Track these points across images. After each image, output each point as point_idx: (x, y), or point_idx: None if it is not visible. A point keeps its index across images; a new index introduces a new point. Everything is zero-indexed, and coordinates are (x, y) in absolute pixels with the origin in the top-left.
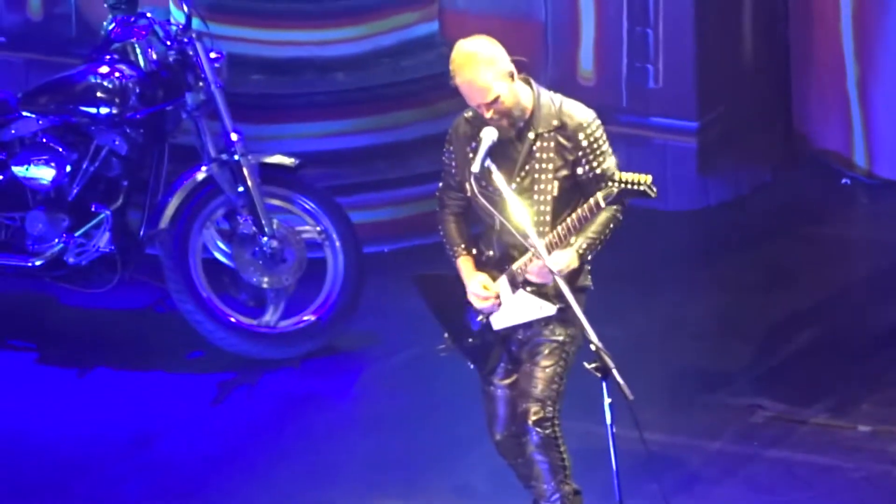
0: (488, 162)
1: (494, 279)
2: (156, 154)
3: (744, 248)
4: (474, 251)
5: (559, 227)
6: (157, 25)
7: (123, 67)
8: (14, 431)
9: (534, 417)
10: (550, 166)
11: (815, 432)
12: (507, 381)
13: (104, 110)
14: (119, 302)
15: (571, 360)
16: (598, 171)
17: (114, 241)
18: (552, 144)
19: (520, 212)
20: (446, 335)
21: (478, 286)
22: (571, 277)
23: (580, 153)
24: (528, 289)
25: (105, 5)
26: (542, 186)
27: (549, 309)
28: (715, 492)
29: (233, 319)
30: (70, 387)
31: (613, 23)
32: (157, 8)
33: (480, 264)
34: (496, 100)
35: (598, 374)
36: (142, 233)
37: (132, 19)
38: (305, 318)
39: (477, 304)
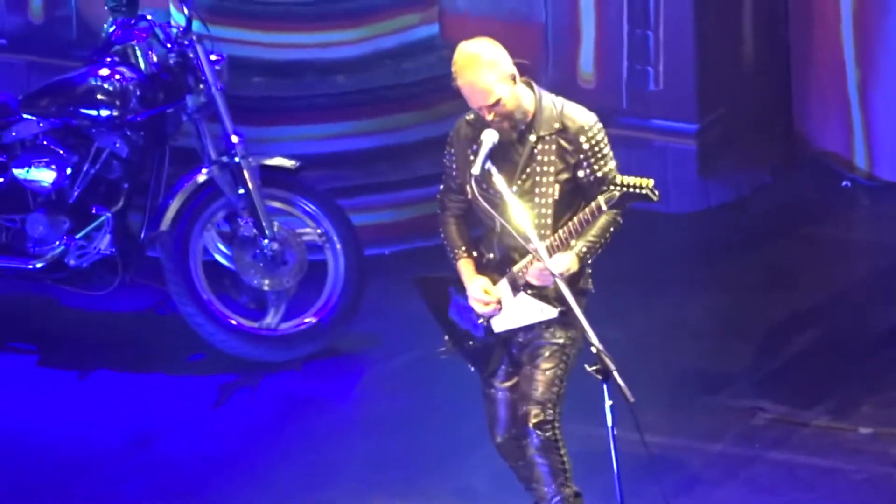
0: (489, 164)
1: (495, 282)
2: (156, 156)
3: (744, 250)
4: (475, 254)
5: (560, 231)
6: (158, 28)
7: (124, 70)
8: (15, 432)
9: (534, 420)
10: (552, 169)
11: (817, 434)
12: (508, 384)
13: (105, 113)
14: (120, 304)
15: (572, 363)
16: (600, 174)
17: (114, 244)
18: (553, 147)
19: (520, 214)
20: (447, 338)
21: (478, 290)
22: (572, 280)
23: (581, 156)
24: (529, 291)
25: (105, 8)
26: (543, 189)
27: (550, 312)
28: (716, 494)
29: (233, 322)
30: (71, 388)
31: (614, 25)
32: (157, 10)
33: (481, 267)
34: (498, 102)
35: (599, 377)
36: (142, 235)
37: (133, 22)
38: (306, 320)
39: (477, 308)
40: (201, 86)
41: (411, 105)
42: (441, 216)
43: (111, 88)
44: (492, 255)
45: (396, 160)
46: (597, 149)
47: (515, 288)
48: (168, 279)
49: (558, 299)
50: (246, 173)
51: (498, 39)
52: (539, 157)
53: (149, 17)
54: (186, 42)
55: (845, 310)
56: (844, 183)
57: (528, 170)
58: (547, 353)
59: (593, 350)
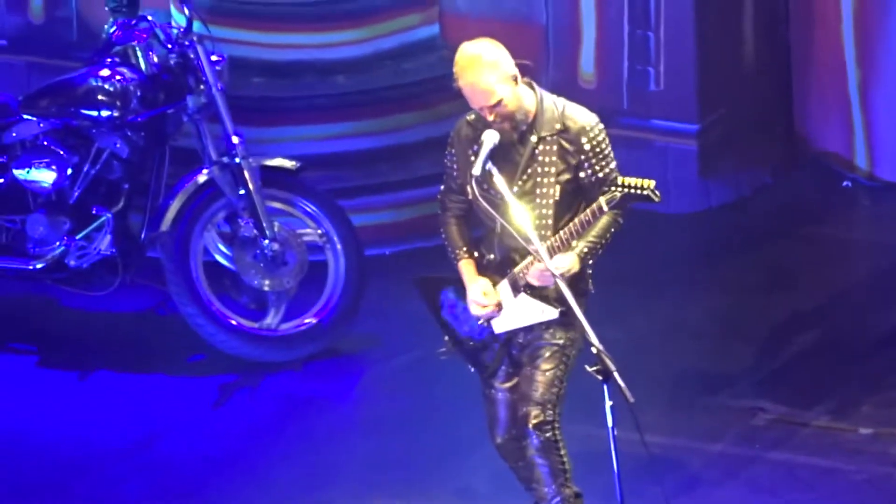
0: (489, 165)
1: (495, 283)
2: (157, 157)
3: (745, 250)
4: (476, 254)
5: (561, 231)
6: (158, 28)
7: (124, 70)
8: (15, 432)
9: (534, 421)
10: (553, 170)
11: (817, 434)
12: (508, 385)
13: (105, 113)
14: (120, 305)
15: (572, 364)
16: (601, 174)
17: (115, 244)
18: (555, 148)
19: (521, 215)
20: (447, 338)
21: (478, 293)
22: (573, 281)
23: (583, 157)
24: (530, 292)
25: (106, 8)
26: (544, 190)
27: (551, 312)
28: (716, 494)
29: (234, 322)
30: (71, 389)
31: (614, 25)
32: (157, 11)
33: (481, 268)
34: (499, 103)
35: (600, 377)
36: (143, 236)
37: (133, 22)
38: (306, 320)
39: (476, 310)
40: (202, 86)
41: (411, 105)
42: (442, 216)
43: (112, 89)
44: (492, 256)
45: (397, 161)
46: (598, 149)
47: (516, 289)
48: (168, 280)
49: (559, 300)
50: (246, 174)
51: (498, 40)
52: (540, 158)
53: (149, 17)
54: (187, 43)
55: (845, 310)
56: (845, 183)
57: (529, 170)
58: (547, 354)
59: (594, 350)
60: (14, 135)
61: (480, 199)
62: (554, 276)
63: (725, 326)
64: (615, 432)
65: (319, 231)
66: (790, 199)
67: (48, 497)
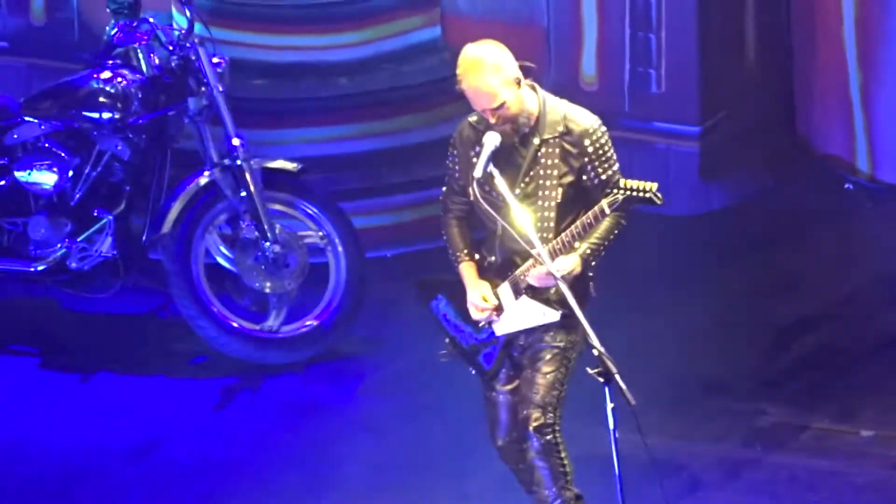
0: (491, 167)
1: (496, 285)
2: (158, 159)
3: (746, 253)
4: (477, 257)
5: (563, 234)
6: (160, 30)
7: (126, 72)
8: (16, 437)
9: (534, 424)
10: (555, 172)
11: (818, 437)
12: (509, 387)
13: (107, 115)
14: (121, 307)
15: (573, 367)
16: (604, 177)
17: (116, 246)
18: (557, 150)
19: (522, 217)
20: (447, 340)
21: (477, 297)
22: (574, 286)
23: (586, 159)
24: (531, 294)
25: (107, 10)
26: (547, 192)
27: (553, 315)
28: (718, 496)
29: (235, 324)
30: (72, 392)
31: (616, 27)
32: (159, 13)
33: (482, 270)
34: (502, 105)
35: (601, 379)
36: (144, 238)
37: (134, 24)
38: (308, 323)
39: (474, 314)
40: (203, 88)
41: (413, 108)
42: (444, 218)
43: (113, 91)
44: (493, 258)
45: (398, 163)
46: (601, 152)
47: (517, 291)
48: (170, 282)
49: (560, 302)
50: (248, 176)
51: (500, 42)
52: (543, 160)
53: (151, 19)
54: (188, 45)
55: (847, 312)
56: (847, 186)
57: (532, 173)
58: (548, 357)
59: (595, 352)
60: (15, 137)
61: (482, 200)
62: (555, 278)
63: (727, 329)
64: (616, 434)
65: (321, 233)
66: (791, 201)
67: (50, 502)
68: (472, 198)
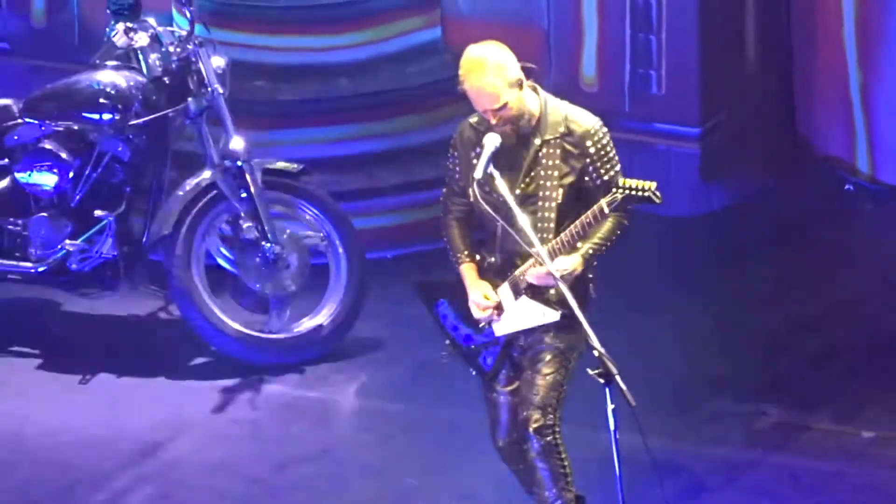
0: (491, 168)
1: (496, 286)
2: (159, 160)
3: (747, 254)
4: (477, 258)
5: (563, 234)
6: (160, 31)
7: (126, 73)
8: (17, 438)
9: (534, 425)
10: (556, 173)
11: (820, 438)
12: (510, 388)
13: (107, 116)
14: (122, 308)
15: (573, 368)
16: (606, 177)
17: (117, 247)
18: (558, 151)
19: (523, 218)
20: (448, 342)
21: (479, 296)
22: (575, 287)
23: (587, 160)
24: (531, 295)
25: (108, 11)
26: (547, 193)
27: (553, 315)
28: (718, 498)
29: (235, 326)
30: (73, 393)
31: (616, 29)
32: (159, 14)
33: (482, 270)
34: (504, 106)
35: (602, 380)
36: (145, 239)
37: (135, 25)
38: (308, 324)
39: (476, 314)
40: (203, 89)
41: (414, 109)
42: (444, 219)
43: (113, 92)
44: (493, 259)
45: (399, 164)
46: (603, 153)
47: (517, 291)
48: (170, 283)
49: (560, 303)
50: (248, 177)
51: (501, 43)
52: (544, 161)
53: (151, 20)
54: (189, 46)
55: (848, 313)
56: (847, 187)
57: (533, 173)
58: (548, 358)
59: (595, 353)
60: (16, 138)
61: (482, 201)
62: (555, 278)
63: (727, 330)
64: (617, 436)
65: (321, 234)
66: (792, 202)
67: (50, 502)
68: (472, 199)
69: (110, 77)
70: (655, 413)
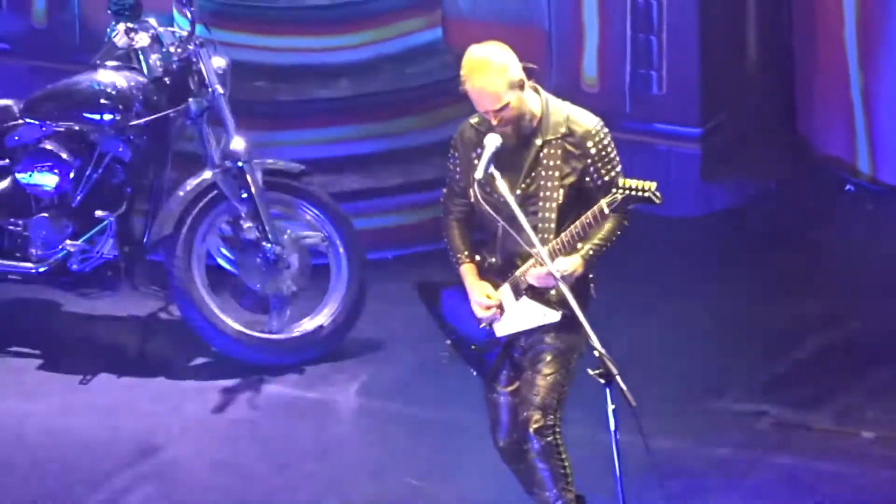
0: (492, 168)
1: (496, 286)
2: (159, 160)
3: (747, 255)
4: (477, 258)
5: (563, 235)
6: (161, 32)
7: (127, 74)
8: (17, 438)
9: (535, 425)
10: (557, 174)
11: (820, 438)
12: (510, 388)
13: (108, 117)
14: (122, 308)
15: (573, 368)
16: (607, 178)
17: (117, 248)
18: (559, 152)
19: (523, 218)
20: (449, 342)
21: (481, 296)
22: (575, 287)
23: (589, 161)
24: (531, 295)
25: (108, 12)
26: (548, 193)
27: (553, 315)
28: (719, 498)
29: (236, 326)
30: (73, 393)
31: (617, 29)
32: (160, 14)
33: (483, 271)
34: (505, 107)
35: (602, 381)
36: (145, 239)
37: (136, 26)
38: (308, 324)
39: (479, 313)
40: (204, 90)
41: (414, 109)
42: (444, 219)
43: (114, 93)
44: (494, 260)
45: (399, 164)
46: (604, 153)
47: (517, 292)
48: (171, 283)
49: (560, 303)
50: (249, 177)
51: (502, 44)
52: (545, 162)
53: (152, 21)
54: (190, 46)
55: (849, 314)
56: (848, 187)
57: (533, 174)
58: (548, 358)
59: (596, 353)
60: (16, 139)
61: (483, 202)
62: (555, 278)
63: (728, 330)
64: (617, 436)
65: (322, 235)
66: (793, 203)
67: (50, 503)
68: (472, 199)
69: (111, 77)
70: (656, 413)
